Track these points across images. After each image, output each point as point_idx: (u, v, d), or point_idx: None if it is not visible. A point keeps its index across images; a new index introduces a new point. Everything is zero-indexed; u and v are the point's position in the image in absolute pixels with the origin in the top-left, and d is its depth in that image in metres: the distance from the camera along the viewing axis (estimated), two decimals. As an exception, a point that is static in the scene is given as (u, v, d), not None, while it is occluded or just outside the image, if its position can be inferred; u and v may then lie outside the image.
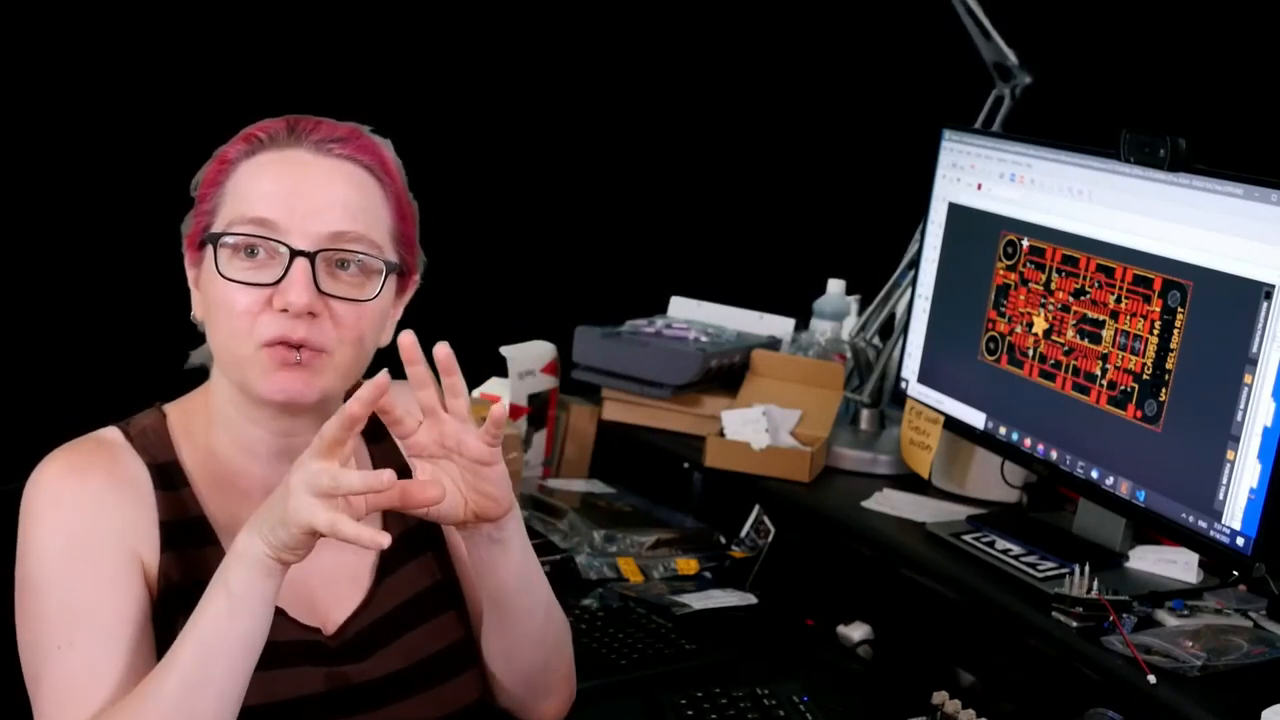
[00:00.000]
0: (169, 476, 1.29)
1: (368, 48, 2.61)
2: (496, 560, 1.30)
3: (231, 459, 1.31)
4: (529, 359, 2.37)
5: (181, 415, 1.33)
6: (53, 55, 2.30)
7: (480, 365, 2.37)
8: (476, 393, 2.34)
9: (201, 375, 1.36)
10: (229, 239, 1.25)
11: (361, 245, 1.27)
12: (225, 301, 1.25)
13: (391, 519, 1.38)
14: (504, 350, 2.33)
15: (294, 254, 1.23)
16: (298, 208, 1.24)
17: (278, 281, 1.23)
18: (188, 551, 1.26)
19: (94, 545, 1.22)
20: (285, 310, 1.23)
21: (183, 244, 1.32)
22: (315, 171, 1.27)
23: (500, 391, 2.31)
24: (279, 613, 1.27)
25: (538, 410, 2.38)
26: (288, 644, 1.28)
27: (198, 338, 1.34)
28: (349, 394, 1.42)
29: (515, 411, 2.31)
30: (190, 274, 1.33)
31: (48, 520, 1.23)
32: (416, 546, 1.40)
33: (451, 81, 2.74)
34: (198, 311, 1.31)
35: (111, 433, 1.31)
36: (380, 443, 1.43)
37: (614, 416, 2.43)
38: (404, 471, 1.38)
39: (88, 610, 1.21)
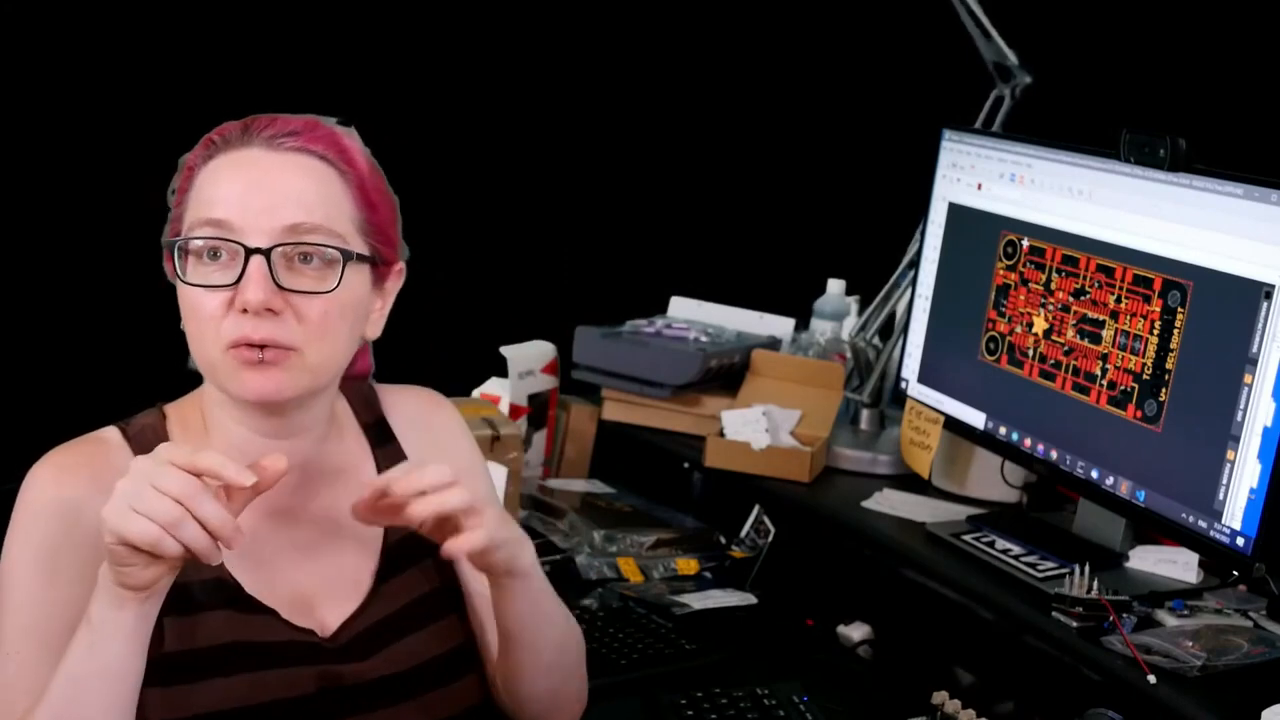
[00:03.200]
0: None
1: (369, 49, 2.61)
2: (510, 593, 1.30)
3: None
4: (529, 359, 2.37)
5: (181, 415, 1.33)
6: (51, 56, 2.30)
7: (480, 365, 2.37)
8: (477, 392, 2.34)
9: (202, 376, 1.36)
10: (188, 243, 1.24)
11: (318, 236, 1.24)
12: (191, 306, 1.24)
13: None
14: (504, 350, 2.33)
15: (249, 252, 1.21)
16: (251, 206, 1.22)
17: (237, 282, 1.21)
18: None
19: (62, 559, 1.22)
20: (246, 310, 1.21)
21: (163, 255, 1.31)
22: (267, 167, 1.25)
23: (500, 391, 2.32)
24: (271, 613, 1.27)
25: (538, 410, 2.38)
26: (280, 645, 1.27)
27: None
28: (358, 399, 1.43)
29: (515, 411, 2.31)
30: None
31: (25, 526, 1.23)
32: (417, 552, 1.39)
33: (452, 82, 2.74)
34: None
35: (110, 432, 1.30)
36: (385, 445, 1.42)
37: (614, 416, 2.43)
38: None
39: (39, 624, 1.21)
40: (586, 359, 2.42)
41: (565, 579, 2.02)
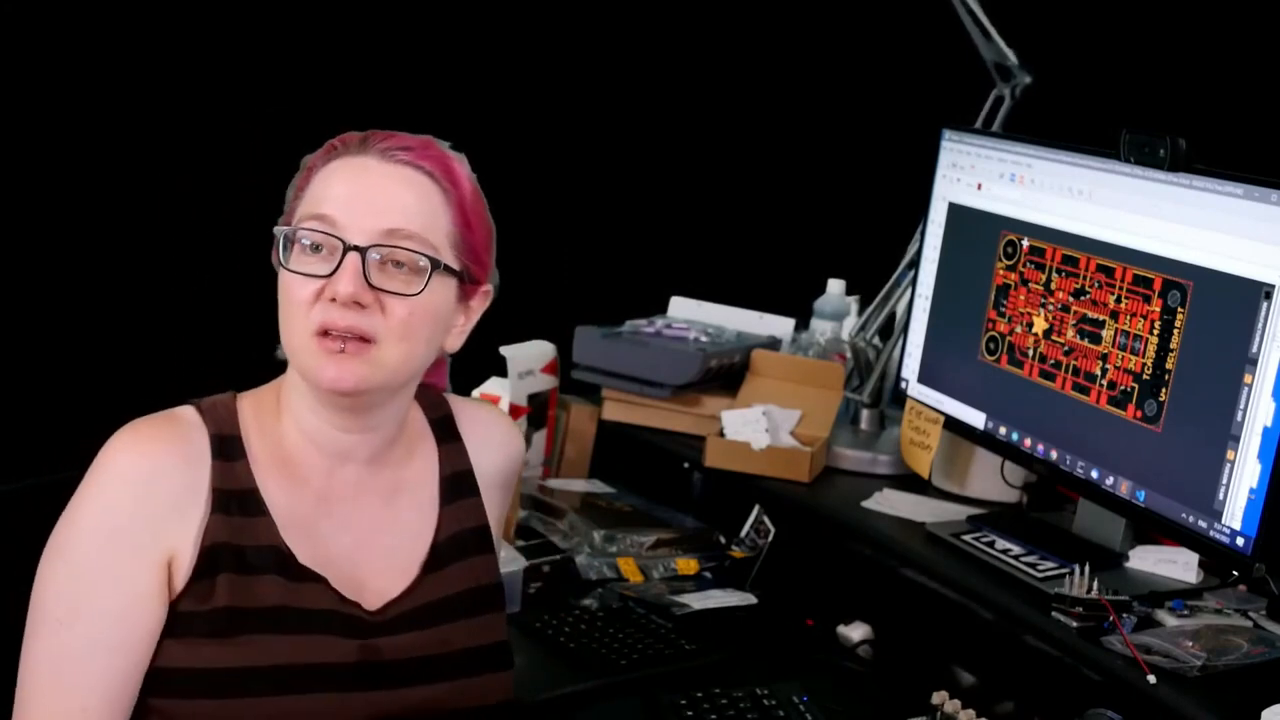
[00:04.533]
0: (228, 448, 1.35)
1: (368, 51, 2.61)
2: None
3: (294, 445, 1.38)
4: (529, 359, 2.37)
5: (254, 401, 1.40)
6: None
7: (480, 365, 2.37)
8: (477, 392, 2.34)
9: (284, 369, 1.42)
10: (293, 234, 1.33)
11: (413, 243, 1.33)
12: (286, 291, 1.33)
13: (446, 519, 1.44)
14: (504, 350, 2.32)
15: (347, 248, 1.30)
16: (357, 207, 1.32)
17: (332, 274, 1.30)
18: (236, 517, 1.32)
19: (128, 535, 1.27)
20: (335, 300, 1.30)
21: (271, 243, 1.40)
22: (378, 175, 1.35)
23: (500, 391, 2.31)
24: (321, 582, 1.34)
25: (538, 410, 2.38)
26: (326, 613, 1.33)
27: None
28: (425, 400, 1.49)
29: (515, 411, 2.31)
30: None
31: (98, 491, 1.29)
32: (466, 549, 1.45)
33: (452, 83, 2.74)
34: None
35: (186, 410, 1.37)
36: (450, 442, 1.48)
37: (614, 416, 2.43)
38: (466, 475, 1.46)
39: (98, 595, 1.26)
40: (586, 359, 2.42)
41: (565, 579, 2.02)
